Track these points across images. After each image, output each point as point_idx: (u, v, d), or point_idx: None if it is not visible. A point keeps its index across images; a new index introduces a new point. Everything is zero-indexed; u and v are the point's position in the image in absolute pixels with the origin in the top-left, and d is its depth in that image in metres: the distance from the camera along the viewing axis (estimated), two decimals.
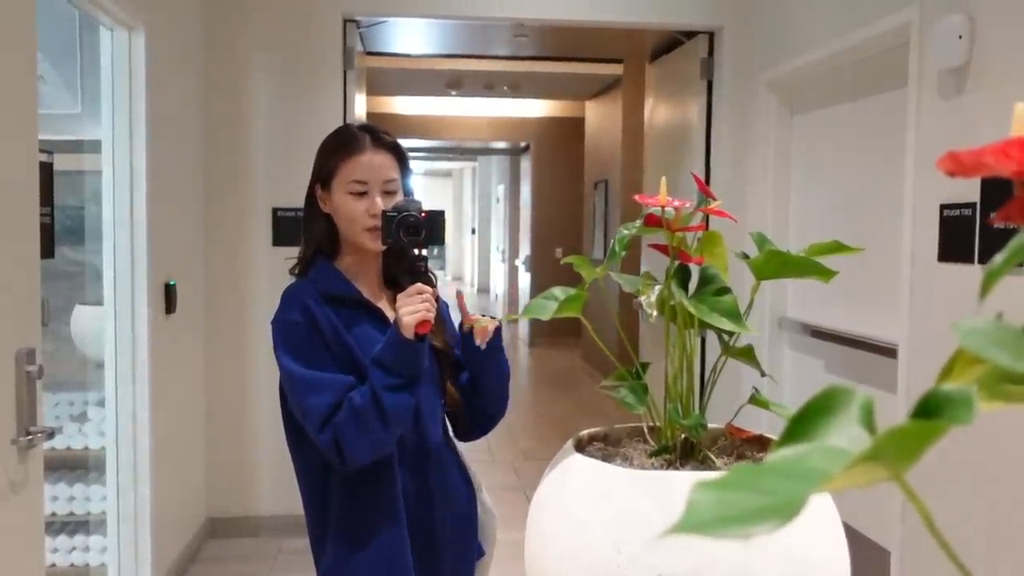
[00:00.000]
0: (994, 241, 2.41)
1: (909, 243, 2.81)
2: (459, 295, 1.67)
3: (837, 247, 1.07)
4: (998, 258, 0.37)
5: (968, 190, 2.50)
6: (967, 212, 2.51)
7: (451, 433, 1.76)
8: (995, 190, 2.40)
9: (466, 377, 1.73)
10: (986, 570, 2.34)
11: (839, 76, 3.49)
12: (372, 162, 1.61)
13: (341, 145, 1.63)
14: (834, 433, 0.38)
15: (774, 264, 1.06)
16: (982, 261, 2.46)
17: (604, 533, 0.94)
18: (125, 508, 3.16)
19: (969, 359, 0.39)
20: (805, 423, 0.38)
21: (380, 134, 1.65)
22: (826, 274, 1.04)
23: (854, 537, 1.01)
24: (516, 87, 9.11)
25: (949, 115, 2.64)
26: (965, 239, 2.52)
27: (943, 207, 2.63)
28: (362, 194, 1.60)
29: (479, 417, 1.75)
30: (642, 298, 1.13)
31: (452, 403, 1.70)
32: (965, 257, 2.53)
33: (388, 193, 1.61)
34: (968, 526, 2.42)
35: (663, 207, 1.06)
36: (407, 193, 1.67)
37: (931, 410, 0.34)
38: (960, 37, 2.52)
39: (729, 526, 0.32)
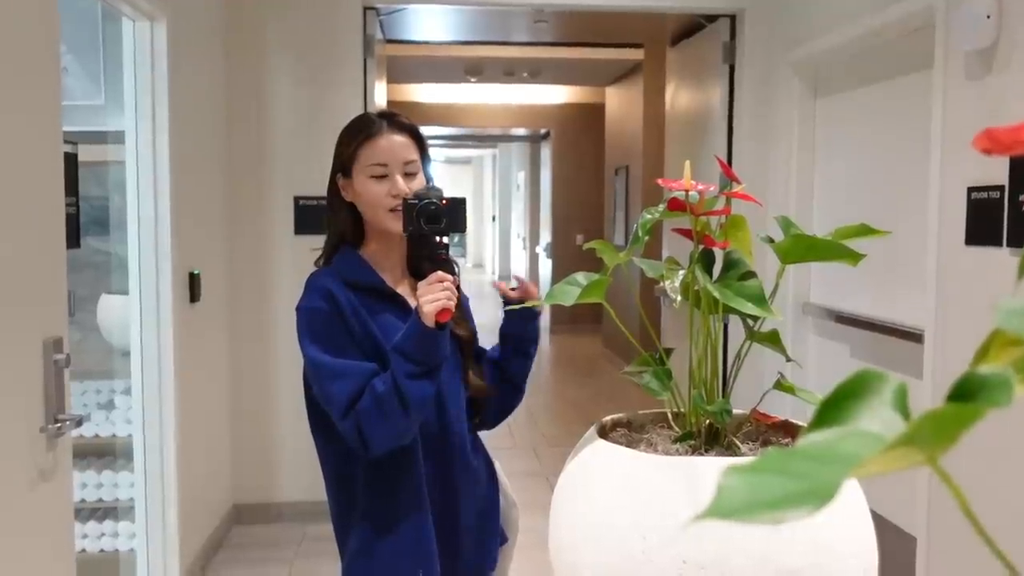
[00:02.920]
0: (1023, 224, 2.37)
1: (935, 226, 2.77)
2: (496, 283, 1.67)
3: (865, 230, 1.05)
4: None
5: (996, 172, 2.45)
6: (995, 195, 2.47)
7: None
8: None
9: (492, 363, 1.73)
10: (1017, 556, 2.32)
11: (864, 58, 3.44)
12: (391, 144, 1.61)
13: (359, 131, 1.63)
14: (866, 417, 0.37)
15: (800, 248, 1.05)
16: (1011, 244, 2.43)
17: (629, 520, 0.93)
18: (152, 495, 3.20)
19: (1005, 341, 0.38)
20: (836, 407, 0.38)
21: (397, 118, 1.65)
22: (854, 257, 1.03)
23: (880, 523, 1.00)
24: (536, 73, 9.07)
25: (976, 97, 2.60)
26: (993, 222, 2.48)
27: (971, 190, 2.59)
28: (383, 177, 1.60)
29: (495, 406, 1.75)
30: (666, 283, 1.12)
31: (476, 391, 1.71)
32: (993, 240, 2.49)
33: (409, 175, 1.61)
34: (998, 512, 2.39)
35: (687, 191, 1.05)
36: (428, 180, 1.66)
37: (968, 393, 0.33)
38: (988, 17, 2.47)
39: (761, 511, 0.31)
